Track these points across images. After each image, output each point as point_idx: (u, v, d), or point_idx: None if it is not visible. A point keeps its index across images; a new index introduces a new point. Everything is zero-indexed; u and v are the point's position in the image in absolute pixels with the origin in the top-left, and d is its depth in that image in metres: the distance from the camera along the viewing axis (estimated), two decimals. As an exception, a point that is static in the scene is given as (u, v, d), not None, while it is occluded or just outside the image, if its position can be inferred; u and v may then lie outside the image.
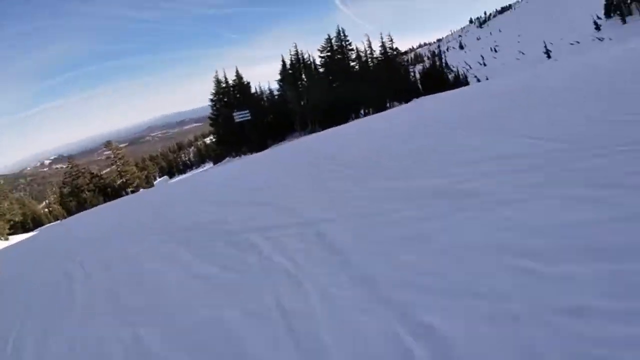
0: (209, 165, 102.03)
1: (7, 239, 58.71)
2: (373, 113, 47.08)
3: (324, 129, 46.10)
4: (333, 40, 50.91)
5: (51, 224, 67.49)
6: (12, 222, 63.34)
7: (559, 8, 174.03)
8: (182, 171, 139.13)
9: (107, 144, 76.13)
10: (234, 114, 44.94)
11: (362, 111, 51.75)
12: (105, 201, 68.24)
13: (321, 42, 50.26)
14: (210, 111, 54.90)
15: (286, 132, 51.08)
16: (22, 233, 67.84)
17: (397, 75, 49.71)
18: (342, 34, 50.69)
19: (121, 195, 71.54)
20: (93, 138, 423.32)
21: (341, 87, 47.21)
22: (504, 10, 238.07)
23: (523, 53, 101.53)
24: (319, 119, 47.08)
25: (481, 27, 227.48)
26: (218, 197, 11.23)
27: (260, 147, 46.64)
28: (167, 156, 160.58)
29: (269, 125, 49.65)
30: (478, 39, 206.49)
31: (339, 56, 51.04)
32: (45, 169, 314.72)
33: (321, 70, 51.89)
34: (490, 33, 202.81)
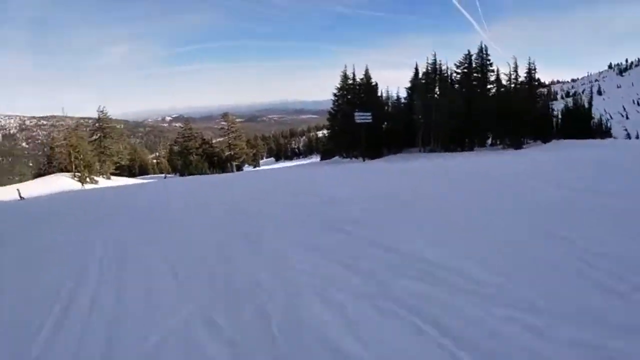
0: (315, 159, 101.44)
1: (109, 178, 60.91)
2: (504, 147, 42.75)
3: (445, 150, 42.81)
4: (473, 57, 46.48)
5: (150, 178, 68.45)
6: (118, 165, 65.70)
7: None
8: (289, 157, 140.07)
9: (224, 115, 77.41)
10: (355, 113, 42.27)
11: (489, 140, 47.56)
12: (209, 168, 68.84)
13: (452, 58, 46.89)
14: (331, 106, 52.63)
15: (404, 144, 47.86)
16: (126, 176, 70.32)
17: (536, 108, 44.32)
18: (484, 52, 45.84)
19: (226, 167, 72.01)
20: (215, 107, 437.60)
21: (475, 109, 42.83)
22: None
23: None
24: (443, 138, 43.60)
25: (622, 75, 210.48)
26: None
27: (374, 154, 44.03)
28: (278, 139, 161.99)
29: (388, 133, 46.35)
30: (618, 87, 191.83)
31: (476, 75, 46.59)
32: (164, 125, 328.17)
33: (456, 86, 47.60)
34: (632, 84, 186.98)
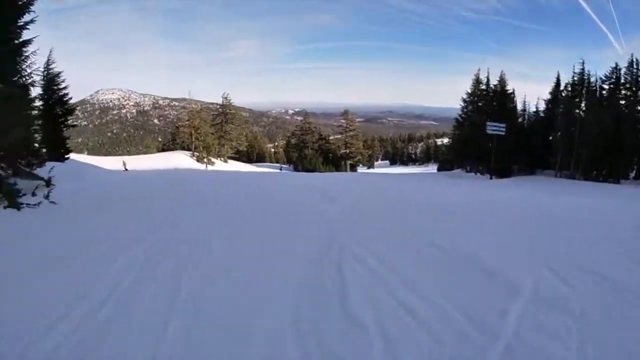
0: (432, 167, 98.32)
1: (226, 161, 62.26)
2: None
3: (585, 177, 37.19)
4: (622, 72, 39.68)
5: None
6: (236, 149, 67.60)
7: None
8: (404, 162, 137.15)
9: (344, 113, 76.46)
10: (488, 123, 37.37)
11: (632, 172, 38.20)
12: (323, 163, 68.34)
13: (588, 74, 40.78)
14: (460, 113, 48.51)
15: (537, 163, 42.17)
16: (244, 161, 71.92)
17: None
18: (635, 66, 39.25)
19: (340, 165, 71.17)
20: (336, 105, 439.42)
21: (629, 129, 35.46)
22: None
23: None
24: (584, 162, 37.40)
25: None
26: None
27: (503, 172, 40.04)
28: (395, 143, 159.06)
29: (521, 150, 41.68)
30: None
31: (626, 92, 39.71)
32: (287, 117, 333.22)
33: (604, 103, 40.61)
34: None
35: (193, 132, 57.62)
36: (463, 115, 47.86)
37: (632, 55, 38.21)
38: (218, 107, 68.53)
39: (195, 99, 63.98)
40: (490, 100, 44.70)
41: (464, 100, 47.46)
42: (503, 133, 37.10)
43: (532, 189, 23.20)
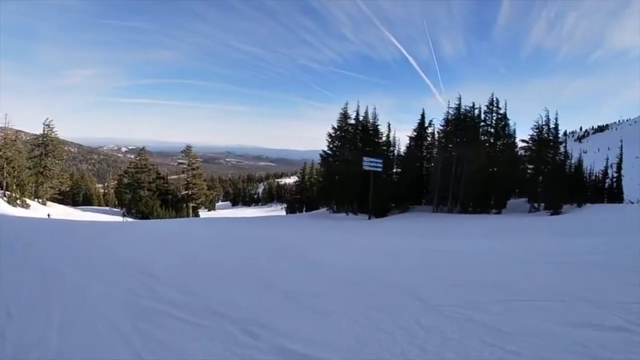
0: (275, 207, 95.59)
1: (44, 204, 53.29)
2: (532, 210, 36.44)
3: (464, 211, 36.79)
4: (483, 110, 39.73)
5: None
6: (58, 190, 58.33)
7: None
8: (247, 203, 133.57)
9: (186, 150, 68.63)
10: (365, 158, 34.75)
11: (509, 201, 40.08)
12: (162, 207, 61.47)
13: (412, 120, 41.16)
14: (325, 150, 44.01)
15: (412, 200, 40.86)
16: (68, 204, 64.47)
17: (564, 168, 38.54)
18: (495, 104, 39.47)
19: (180, 208, 64.75)
20: (172, 144, 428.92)
21: (503, 165, 36.83)
22: (601, 129, 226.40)
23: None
24: (465, 196, 37.00)
25: (580, 142, 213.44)
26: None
27: (380, 212, 37.18)
28: (236, 183, 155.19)
29: (396, 187, 39.43)
30: (585, 152, 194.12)
31: (491, 130, 39.63)
32: (120, 155, 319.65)
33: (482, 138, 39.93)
34: (585, 151, 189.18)
35: (5, 165, 48.15)
36: (329, 152, 43.98)
37: (492, 94, 38.78)
38: (37, 137, 57.44)
39: (15, 128, 52.56)
40: (359, 137, 42.25)
41: (330, 136, 43.58)
42: (380, 169, 35.02)
43: (441, 234, 21.78)
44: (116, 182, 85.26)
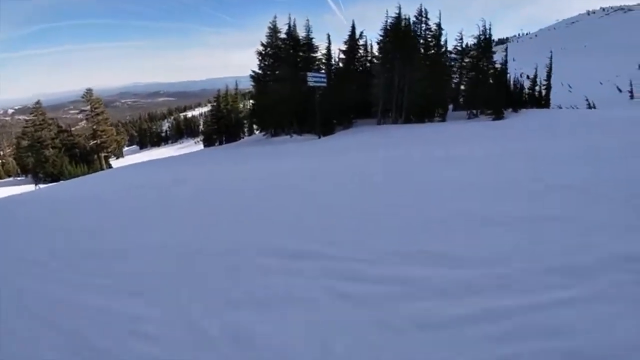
0: (189, 142, 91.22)
1: None
2: (470, 117, 36.80)
3: (408, 121, 35.60)
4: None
5: None
6: None
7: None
8: (156, 144, 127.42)
9: (86, 94, 61.84)
10: (309, 74, 31.59)
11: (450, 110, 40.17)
12: (71, 163, 56.31)
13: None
14: (256, 70, 40.31)
15: (354, 115, 38.93)
16: None
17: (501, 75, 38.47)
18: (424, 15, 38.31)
19: (92, 161, 59.65)
20: (62, 94, 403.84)
21: (440, 75, 36.05)
22: (502, 41, 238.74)
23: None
24: (409, 107, 35.63)
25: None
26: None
27: (327, 130, 34.70)
28: (140, 125, 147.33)
29: (337, 103, 36.21)
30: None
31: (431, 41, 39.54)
32: (7, 118, 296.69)
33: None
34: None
35: None
36: (259, 72, 40.38)
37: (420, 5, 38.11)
38: None
39: None
40: (292, 52, 38.56)
41: (260, 54, 39.80)
42: (325, 84, 32.11)
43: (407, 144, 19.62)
44: (13, 147, 77.65)
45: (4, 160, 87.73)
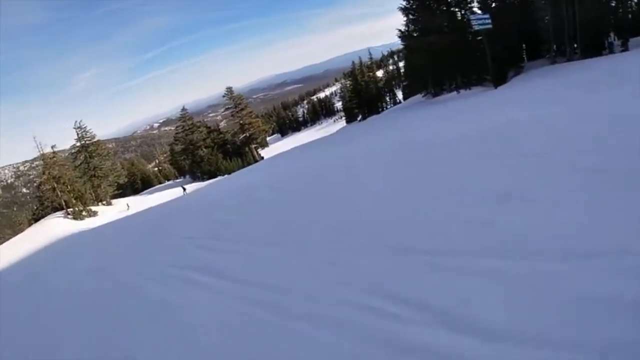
0: (328, 122, 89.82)
1: (109, 203, 49.46)
2: None
3: (584, 56, 28.32)
4: None
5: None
6: (116, 184, 55.00)
7: None
8: (296, 129, 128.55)
9: (228, 91, 62.16)
10: (472, 17, 27.16)
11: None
12: (225, 158, 56.93)
13: None
14: (402, 27, 35.73)
15: (521, 57, 33.03)
16: (130, 195, 61.29)
17: None
18: None
19: (244, 153, 59.68)
20: (198, 102, 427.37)
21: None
22: None
23: None
24: (582, 39, 28.75)
25: None
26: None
27: (500, 78, 29.52)
28: (279, 113, 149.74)
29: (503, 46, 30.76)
30: None
31: None
32: (154, 132, 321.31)
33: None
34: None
35: (55, 185, 44.41)
36: (407, 29, 35.89)
37: None
38: (74, 143, 53.14)
39: (50, 150, 47.53)
40: None
41: (404, 9, 34.61)
42: (490, 26, 26.97)
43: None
44: (167, 154, 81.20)
45: (161, 167, 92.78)
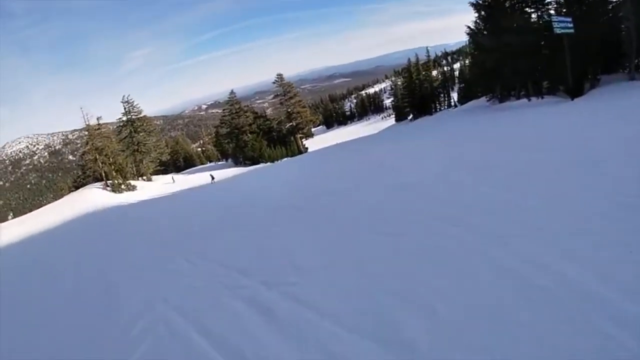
0: (375, 119, 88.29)
1: (149, 179, 49.09)
2: None
3: None
4: None
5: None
6: (159, 161, 54.89)
7: None
8: (342, 122, 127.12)
9: (278, 78, 60.98)
10: (554, 19, 24.78)
11: None
12: (269, 146, 55.85)
13: None
14: (472, 25, 33.47)
15: (597, 69, 28.71)
16: (172, 172, 60.76)
17: None
18: None
19: (288, 142, 58.48)
20: (247, 88, 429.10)
21: None
22: None
23: None
24: None
25: None
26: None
27: (576, 89, 26.94)
28: (326, 105, 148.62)
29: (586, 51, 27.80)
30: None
31: None
32: (202, 113, 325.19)
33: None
34: None
35: (97, 156, 44.15)
36: (476, 28, 33.72)
37: None
38: (121, 117, 53.28)
39: (97, 122, 47.35)
40: None
41: (475, 5, 32.41)
42: (572, 30, 24.67)
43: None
44: (212, 135, 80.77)
45: (204, 148, 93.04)
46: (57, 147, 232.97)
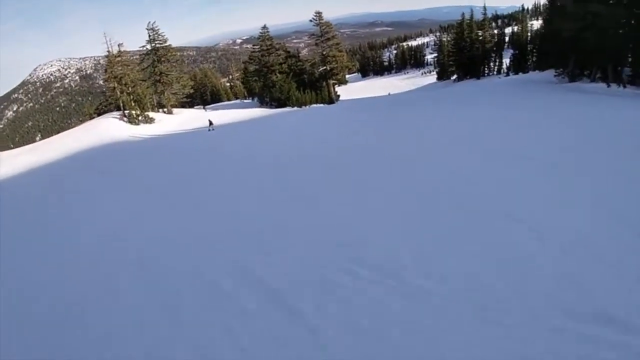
0: (414, 73, 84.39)
1: (170, 112, 46.51)
2: None
3: None
4: None
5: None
6: (182, 94, 51.66)
7: None
8: (378, 73, 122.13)
9: (316, 16, 55.57)
10: None
11: None
12: (298, 89, 51.94)
13: None
14: None
15: None
16: (198, 106, 61.17)
17: None
18: None
19: (320, 87, 54.71)
20: (285, 25, 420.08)
21: None
22: None
23: None
24: None
25: None
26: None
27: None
28: (364, 52, 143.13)
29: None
30: None
31: None
32: (236, 47, 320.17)
33: None
34: None
35: (116, 84, 41.85)
36: None
37: None
38: (145, 44, 49.85)
39: (118, 49, 44.49)
40: None
41: None
42: None
43: None
44: (241, 71, 77.00)
45: (232, 84, 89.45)
46: (88, 72, 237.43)
